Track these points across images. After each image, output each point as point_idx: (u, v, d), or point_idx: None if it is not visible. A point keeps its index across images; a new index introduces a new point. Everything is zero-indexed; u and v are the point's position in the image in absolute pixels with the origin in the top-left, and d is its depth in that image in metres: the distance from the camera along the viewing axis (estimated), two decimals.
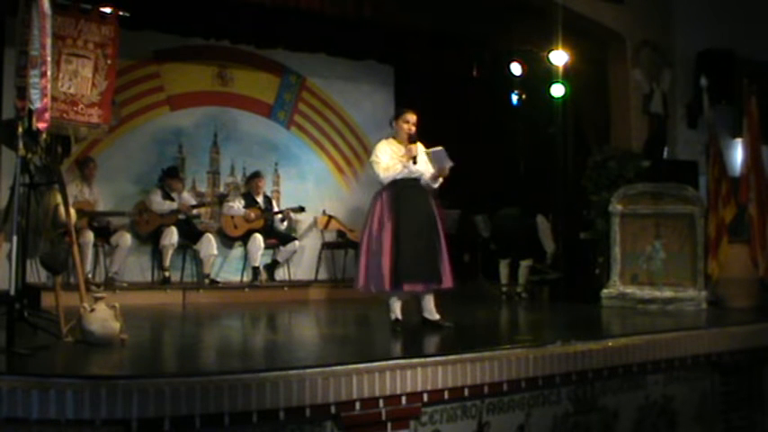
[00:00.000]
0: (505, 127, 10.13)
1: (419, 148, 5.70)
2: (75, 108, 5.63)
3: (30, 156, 4.62)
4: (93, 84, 5.73)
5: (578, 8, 8.58)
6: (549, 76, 8.99)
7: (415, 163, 5.63)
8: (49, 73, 4.56)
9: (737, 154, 8.72)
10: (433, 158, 5.64)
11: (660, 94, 9.16)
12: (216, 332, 6.28)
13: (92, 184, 8.24)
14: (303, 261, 9.57)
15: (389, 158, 5.65)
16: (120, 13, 5.87)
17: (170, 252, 8.36)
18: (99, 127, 5.84)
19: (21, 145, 4.49)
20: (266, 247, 8.91)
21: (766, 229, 7.40)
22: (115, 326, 4.57)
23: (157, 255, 8.49)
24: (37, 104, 4.49)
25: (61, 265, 5.07)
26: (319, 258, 9.55)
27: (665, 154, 9.07)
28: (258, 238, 8.80)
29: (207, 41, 9.00)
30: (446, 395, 4.26)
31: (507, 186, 9.78)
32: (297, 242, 9.24)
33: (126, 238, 8.14)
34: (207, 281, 8.55)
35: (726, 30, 9.26)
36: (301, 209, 9.30)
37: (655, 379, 5.35)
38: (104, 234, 8.12)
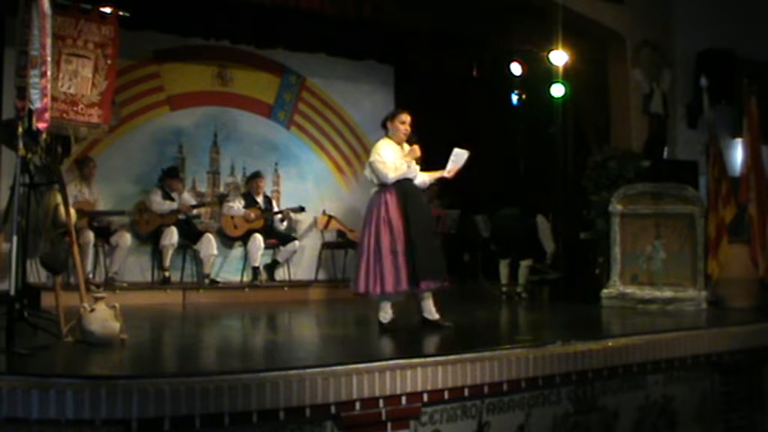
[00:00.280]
0: (505, 127, 10.13)
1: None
2: (75, 108, 5.64)
3: (30, 156, 4.62)
4: (93, 84, 5.74)
5: (578, 8, 8.57)
6: (549, 76, 8.98)
7: (418, 164, 5.66)
8: (49, 73, 4.57)
9: (737, 154, 8.71)
10: (454, 157, 5.70)
11: (660, 94, 9.15)
12: (216, 332, 6.28)
13: (91, 184, 8.23)
14: (303, 261, 9.57)
15: (394, 159, 5.65)
16: (120, 13, 5.89)
17: (170, 252, 8.36)
18: (99, 127, 5.86)
19: (21, 145, 4.49)
20: (266, 247, 8.90)
21: (766, 229, 7.40)
22: (115, 326, 4.57)
23: (157, 255, 8.49)
24: (37, 104, 4.49)
25: (61, 265, 5.07)
26: (319, 258, 9.55)
27: (665, 154, 9.06)
28: (258, 238, 8.79)
29: (207, 41, 8.99)
30: (446, 395, 4.26)
31: (507, 186, 9.78)
32: (297, 242, 9.23)
33: (126, 238, 8.13)
34: (207, 281, 8.54)
35: (726, 30, 9.25)
36: (301, 209, 9.30)
37: (655, 379, 5.35)
38: (104, 234, 8.11)
